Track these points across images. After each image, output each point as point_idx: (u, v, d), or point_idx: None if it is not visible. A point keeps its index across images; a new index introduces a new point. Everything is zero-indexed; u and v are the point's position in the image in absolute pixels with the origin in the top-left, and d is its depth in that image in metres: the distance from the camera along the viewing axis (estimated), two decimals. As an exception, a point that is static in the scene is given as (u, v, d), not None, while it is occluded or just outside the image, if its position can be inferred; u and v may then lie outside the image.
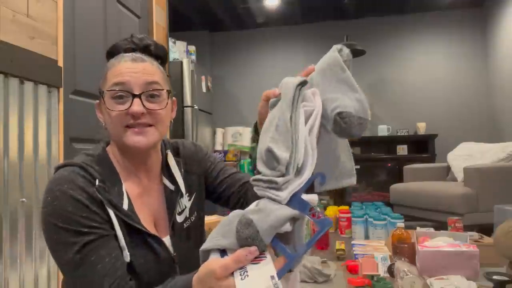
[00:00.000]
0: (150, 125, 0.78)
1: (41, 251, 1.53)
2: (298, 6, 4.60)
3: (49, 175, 1.60)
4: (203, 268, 0.58)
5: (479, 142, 3.75)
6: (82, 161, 0.77)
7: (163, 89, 0.80)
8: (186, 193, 0.89)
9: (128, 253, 0.74)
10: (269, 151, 0.57)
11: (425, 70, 4.81)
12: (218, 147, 4.76)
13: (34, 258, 1.49)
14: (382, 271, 1.73)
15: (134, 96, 0.76)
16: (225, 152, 4.54)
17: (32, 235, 1.48)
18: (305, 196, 0.58)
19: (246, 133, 4.85)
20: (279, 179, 0.56)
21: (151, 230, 0.81)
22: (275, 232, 0.55)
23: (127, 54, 0.81)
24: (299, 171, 0.58)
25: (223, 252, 0.58)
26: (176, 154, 0.93)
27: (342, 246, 2.12)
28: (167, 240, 0.83)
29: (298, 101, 0.60)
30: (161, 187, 0.87)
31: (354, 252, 2.05)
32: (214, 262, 0.56)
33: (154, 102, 0.78)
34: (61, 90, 1.70)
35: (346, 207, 2.88)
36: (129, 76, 0.76)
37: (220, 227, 0.59)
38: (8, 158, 1.39)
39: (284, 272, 0.55)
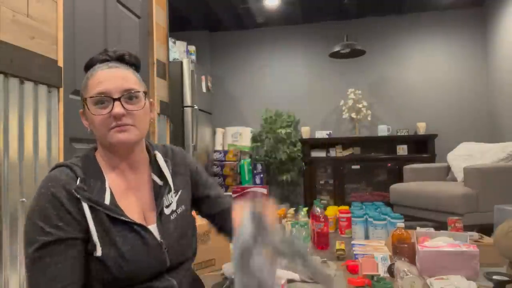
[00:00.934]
0: (131, 125, 0.86)
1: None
2: (298, 6, 4.60)
3: (49, 175, 1.60)
4: None
5: (479, 142, 3.75)
6: (70, 161, 0.87)
7: (139, 91, 0.88)
8: (173, 190, 0.96)
9: (100, 248, 0.80)
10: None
11: (425, 70, 4.81)
12: (218, 147, 4.76)
13: (34, 258, 1.49)
14: (382, 271, 1.74)
15: (114, 100, 0.84)
16: (225, 152, 4.54)
17: (32, 235, 1.48)
18: None
19: (246, 133, 4.85)
20: None
21: (139, 220, 0.87)
22: None
23: (102, 64, 0.89)
24: None
25: None
26: (165, 155, 1.00)
27: (342, 246, 2.13)
28: (153, 228, 0.89)
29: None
30: (150, 182, 0.95)
31: (354, 252, 2.05)
32: None
33: (133, 103, 0.86)
34: (61, 90, 1.70)
35: (346, 207, 2.88)
36: (108, 82, 0.84)
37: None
38: (8, 158, 1.39)
39: None
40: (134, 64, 0.95)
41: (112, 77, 0.85)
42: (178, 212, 0.95)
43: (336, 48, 4.29)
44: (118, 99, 0.84)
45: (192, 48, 4.06)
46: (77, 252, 0.79)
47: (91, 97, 0.84)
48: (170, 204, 0.94)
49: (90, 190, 0.82)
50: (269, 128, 4.81)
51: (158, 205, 0.91)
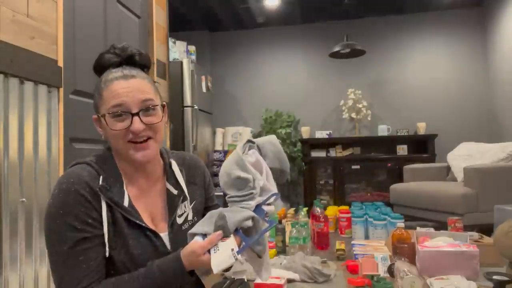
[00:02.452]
0: (150, 138, 0.86)
1: (41, 251, 1.53)
2: (298, 6, 4.60)
3: (49, 175, 1.60)
4: (188, 247, 0.80)
5: (479, 142, 3.75)
6: (89, 159, 0.87)
7: (157, 104, 0.87)
8: (188, 199, 0.96)
9: (107, 250, 0.81)
10: (238, 178, 0.86)
11: (425, 70, 4.81)
12: (218, 147, 4.76)
13: (34, 258, 1.49)
14: (382, 271, 1.73)
15: (132, 115, 0.83)
16: (225, 152, 4.54)
17: (32, 235, 1.48)
18: (265, 207, 0.87)
19: (246, 133, 4.85)
20: (254, 191, 0.85)
21: (150, 226, 0.88)
22: (239, 225, 0.81)
23: (115, 70, 0.87)
24: (261, 191, 0.87)
25: (204, 236, 0.82)
26: (181, 164, 0.99)
27: (342, 246, 2.12)
28: (165, 236, 0.89)
29: (246, 148, 0.94)
30: (163, 191, 0.94)
31: (354, 252, 2.05)
32: (195, 244, 0.80)
33: (150, 115, 0.86)
34: (61, 90, 1.70)
35: (346, 207, 2.88)
36: (125, 96, 0.83)
37: (204, 218, 0.85)
38: (8, 158, 1.39)
39: (243, 249, 0.79)
40: (145, 65, 0.93)
41: (129, 90, 0.83)
42: (190, 224, 0.95)
43: (336, 48, 4.29)
44: (137, 114, 0.83)
45: (192, 48, 4.06)
46: (103, 249, 0.80)
47: (109, 113, 0.83)
48: (184, 213, 0.94)
49: (111, 190, 0.83)
50: (269, 128, 4.81)
51: (171, 214, 0.91)
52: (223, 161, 4.48)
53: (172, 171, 0.95)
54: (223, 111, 5.30)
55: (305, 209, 2.54)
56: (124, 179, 0.87)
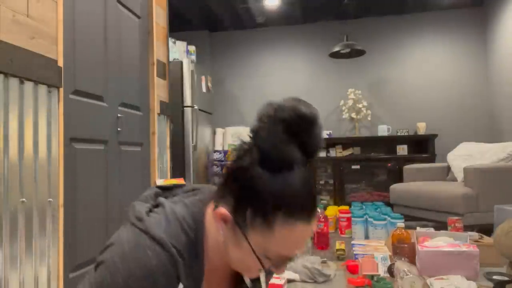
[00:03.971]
0: None
1: (41, 251, 1.53)
2: (298, 6, 4.60)
3: (49, 175, 1.60)
4: None
5: (479, 142, 3.75)
6: (176, 241, 0.61)
7: None
8: None
9: None
10: None
11: (425, 70, 4.81)
12: (218, 147, 4.76)
13: (34, 258, 1.49)
14: (382, 271, 1.74)
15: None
16: (225, 152, 4.54)
17: (32, 235, 1.48)
18: None
19: (246, 133, 4.85)
20: None
21: None
22: None
23: (308, 214, 0.60)
24: None
25: None
26: None
27: (342, 246, 2.13)
28: None
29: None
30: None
31: (354, 252, 2.05)
32: None
33: None
34: (61, 90, 1.70)
35: (346, 207, 2.88)
36: (298, 249, 0.62)
37: None
38: (8, 158, 1.39)
39: None
40: None
41: (303, 240, 0.61)
42: None
43: (336, 48, 4.29)
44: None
45: (192, 48, 4.06)
46: None
47: (272, 257, 0.61)
48: None
49: None
50: (269, 128, 4.81)
51: None
52: (223, 161, 4.48)
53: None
54: (223, 111, 5.30)
55: (305, 209, 2.54)
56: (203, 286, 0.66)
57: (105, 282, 0.57)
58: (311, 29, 5.13)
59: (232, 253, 0.63)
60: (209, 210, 0.67)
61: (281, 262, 0.62)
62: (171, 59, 3.52)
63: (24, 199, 1.44)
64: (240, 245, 0.61)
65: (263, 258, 0.60)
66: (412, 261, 1.73)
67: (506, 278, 1.51)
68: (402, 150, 4.57)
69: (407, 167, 3.74)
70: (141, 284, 0.56)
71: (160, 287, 0.57)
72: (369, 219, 2.55)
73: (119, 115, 2.20)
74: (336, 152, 4.75)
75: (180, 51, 3.84)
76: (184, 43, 3.94)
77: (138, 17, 2.55)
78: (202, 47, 5.15)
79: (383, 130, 4.65)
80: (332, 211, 2.98)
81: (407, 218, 3.13)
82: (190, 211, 0.65)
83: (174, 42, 3.78)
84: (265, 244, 0.59)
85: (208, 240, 0.65)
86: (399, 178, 4.12)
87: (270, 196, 0.57)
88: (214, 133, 4.73)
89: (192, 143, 3.61)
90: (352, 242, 2.28)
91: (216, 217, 0.63)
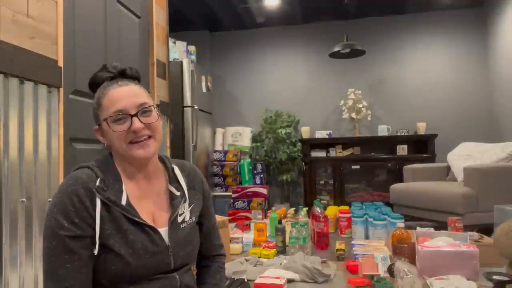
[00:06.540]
0: (150, 137, 0.94)
1: (41, 251, 1.52)
2: (298, 6, 4.60)
3: (49, 175, 1.60)
4: None
5: (479, 142, 3.75)
6: (91, 163, 0.94)
7: (152, 105, 0.96)
8: (188, 201, 1.03)
9: (97, 248, 0.85)
10: None
11: (425, 70, 4.81)
12: (218, 147, 4.76)
13: (34, 258, 1.49)
14: (382, 271, 1.74)
15: (132, 116, 0.91)
16: (225, 152, 4.54)
17: (32, 235, 1.48)
18: None
19: (246, 133, 4.85)
20: None
21: (149, 222, 0.93)
22: None
23: (111, 82, 0.96)
24: None
25: None
26: (181, 170, 1.07)
27: (342, 246, 2.13)
28: (164, 231, 0.95)
29: None
30: (166, 192, 1.02)
31: (354, 252, 2.05)
32: None
33: (147, 116, 0.94)
34: (61, 90, 1.70)
35: (346, 207, 2.88)
36: (123, 100, 0.92)
37: None
38: (8, 158, 1.39)
39: None
40: (136, 77, 1.02)
41: (125, 95, 0.92)
42: (189, 223, 1.01)
43: (336, 48, 4.29)
44: (135, 115, 0.91)
45: (192, 48, 4.06)
46: (88, 253, 0.85)
47: (110, 116, 0.91)
48: (183, 213, 1.01)
49: (108, 190, 0.89)
50: (269, 128, 4.81)
51: (173, 212, 0.98)
52: (223, 161, 4.48)
53: (175, 175, 1.03)
54: (223, 111, 5.30)
55: (305, 209, 2.54)
56: (124, 180, 0.94)
57: (50, 205, 0.86)
58: (311, 29, 5.13)
59: (110, 141, 0.93)
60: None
61: (121, 116, 0.91)
62: (171, 59, 3.52)
63: (24, 199, 1.45)
64: (105, 132, 0.94)
65: (111, 123, 0.91)
66: (412, 261, 1.73)
67: (506, 278, 1.51)
68: (402, 150, 4.57)
69: (407, 167, 3.74)
70: (66, 182, 0.86)
71: (81, 182, 0.86)
72: (369, 219, 2.55)
73: (119, 115, 2.20)
74: (336, 152, 4.75)
75: (180, 51, 3.84)
76: (184, 43, 3.94)
77: (138, 17, 2.55)
78: (202, 47, 5.15)
79: (383, 130, 4.65)
80: (332, 211, 2.98)
81: (407, 218, 3.13)
82: (102, 156, 0.99)
83: (174, 42, 3.78)
84: (107, 113, 0.92)
85: (114, 156, 0.97)
86: (399, 178, 4.12)
87: (97, 94, 0.97)
88: (214, 133, 4.73)
89: (192, 143, 3.61)
90: (352, 242, 2.28)
91: (97, 136, 0.97)
